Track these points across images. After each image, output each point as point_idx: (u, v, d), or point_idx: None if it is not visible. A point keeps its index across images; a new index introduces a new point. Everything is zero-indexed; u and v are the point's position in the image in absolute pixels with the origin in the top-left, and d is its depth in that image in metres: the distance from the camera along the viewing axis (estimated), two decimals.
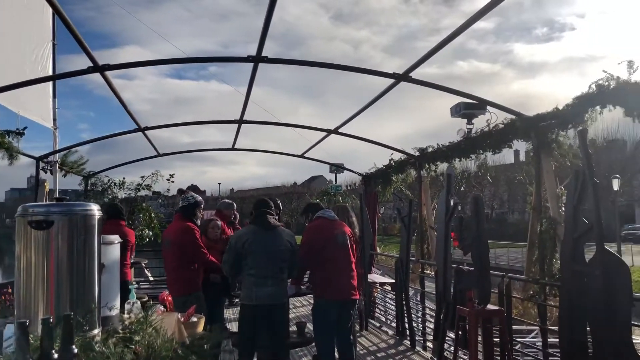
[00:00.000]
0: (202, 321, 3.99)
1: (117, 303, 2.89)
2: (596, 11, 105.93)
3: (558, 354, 4.95)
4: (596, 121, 4.74)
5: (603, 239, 4.25)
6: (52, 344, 1.86)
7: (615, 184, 30.48)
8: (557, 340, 4.94)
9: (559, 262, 4.97)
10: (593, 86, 4.59)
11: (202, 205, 6.09)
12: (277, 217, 6.72)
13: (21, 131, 6.05)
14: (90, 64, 4.75)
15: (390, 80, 5.74)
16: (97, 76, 5.22)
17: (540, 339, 5.56)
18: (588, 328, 4.41)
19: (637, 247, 33.14)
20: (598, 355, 4.25)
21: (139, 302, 3.75)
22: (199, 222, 6.13)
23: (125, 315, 2.56)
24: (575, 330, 4.48)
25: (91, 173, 10.05)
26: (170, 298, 3.94)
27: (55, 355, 1.84)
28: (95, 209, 2.52)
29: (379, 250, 20.60)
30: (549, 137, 5.33)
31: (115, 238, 3.08)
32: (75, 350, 1.92)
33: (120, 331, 2.20)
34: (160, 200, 14.72)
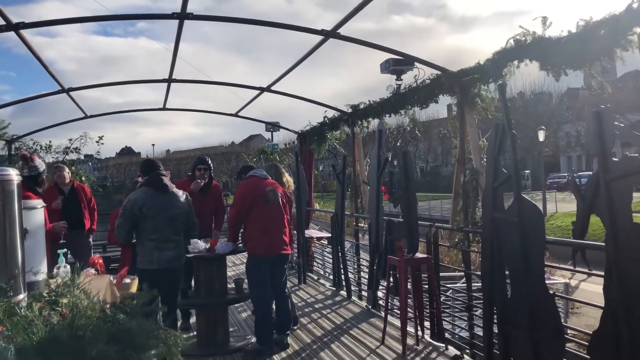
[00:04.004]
0: (136, 282, 4.02)
1: (44, 267, 2.86)
2: None
3: (481, 297, 5.27)
4: (514, 75, 4.94)
5: (520, 188, 4.50)
6: None
7: (541, 135, 31.95)
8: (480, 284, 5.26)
9: (481, 210, 5.24)
10: (511, 41, 4.78)
11: (45, 175, 5.63)
12: (207, 176, 6.75)
13: None
14: (3, 22, 4.49)
15: (320, 37, 5.76)
16: (12, 33, 4.94)
17: (465, 284, 5.89)
18: (507, 272, 4.70)
19: (561, 194, 35.06)
20: (515, 297, 4.56)
21: (68, 267, 3.72)
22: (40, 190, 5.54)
23: (52, 280, 2.54)
24: (495, 274, 4.78)
25: (14, 137, 9.62)
26: (100, 261, 3.92)
27: None
28: (13, 174, 2.46)
29: (317, 207, 20.94)
30: (472, 91, 5.54)
31: (39, 203, 3.02)
32: None
33: (46, 295, 2.20)
34: (90, 164, 14.27)
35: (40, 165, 5.24)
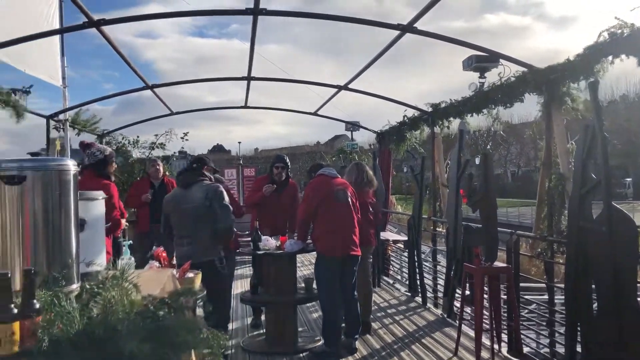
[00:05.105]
0: (199, 277, 4.01)
1: (101, 259, 2.88)
2: None
3: (564, 312, 4.88)
4: (608, 73, 4.49)
5: (610, 195, 4.10)
6: (11, 298, 1.85)
7: None
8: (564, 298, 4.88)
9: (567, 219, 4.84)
10: (605, 34, 4.32)
11: (113, 160, 5.49)
12: (285, 175, 6.70)
13: (27, 89, 6.06)
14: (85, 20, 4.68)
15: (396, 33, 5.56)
16: (118, 34, 5.14)
17: (547, 297, 5.48)
18: (594, 286, 4.32)
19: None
20: (602, 314, 4.17)
21: (132, 259, 3.77)
22: (112, 177, 5.58)
23: (104, 272, 2.54)
24: (580, 287, 4.39)
25: (105, 132, 10.10)
26: (164, 254, 3.95)
27: (15, 310, 1.84)
28: (70, 164, 2.47)
29: (400, 209, 20.61)
30: (560, 90, 5.12)
31: (99, 194, 3.05)
32: (37, 305, 1.91)
33: (88, 286, 2.19)
34: (185, 161, 14.74)
35: (99, 151, 5.20)
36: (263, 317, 6.61)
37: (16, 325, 1.81)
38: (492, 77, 6.53)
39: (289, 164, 6.93)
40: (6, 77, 6.00)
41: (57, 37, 7.44)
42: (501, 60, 6.14)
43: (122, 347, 1.87)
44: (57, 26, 6.94)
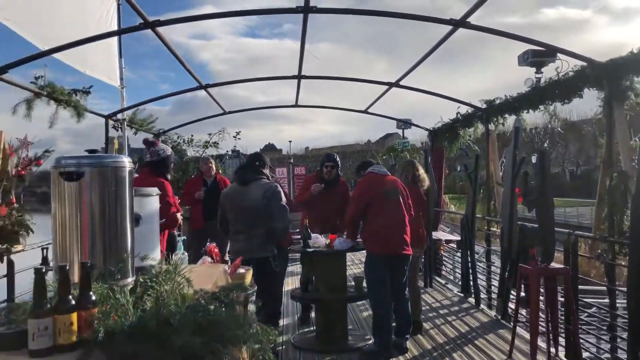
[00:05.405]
0: (250, 272, 4.05)
1: (155, 254, 2.94)
2: None
3: (626, 316, 4.67)
4: None
5: None
6: (69, 290, 1.91)
7: None
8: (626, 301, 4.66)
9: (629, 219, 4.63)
10: None
11: (173, 159, 5.50)
12: (335, 174, 6.69)
13: (87, 90, 6.29)
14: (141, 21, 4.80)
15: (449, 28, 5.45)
16: (173, 36, 5.29)
17: (608, 300, 5.26)
18: None
19: None
20: None
21: (185, 254, 3.85)
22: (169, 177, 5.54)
23: (157, 266, 2.60)
24: None
25: (161, 131, 10.37)
26: (216, 250, 4.01)
27: (73, 302, 1.90)
28: (126, 161, 2.54)
29: (453, 209, 20.27)
30: (622, 84, 4.89)
31: (154, 190, 3.13)
32: (94, 297, 1.97)
33: (142, 280, 2.24)
34: (238, 160, 14.96)
35: (162, 150, 5.24)
36: (313, 315, 6.65)
37: (74, 316, 1.88)
38: (549, 72, 6.30)
39: (339, 162, 6.92)
40: (68, 79, 6.25)
41: (115, 39, 7.68)
42: (559, 54, 5.91)
43: (174, 340, 1.90)
44: (115, 28, 7.16)
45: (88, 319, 1.90)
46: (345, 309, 6.12)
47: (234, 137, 12.28)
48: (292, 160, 22.79)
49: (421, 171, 6.41)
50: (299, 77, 7.79)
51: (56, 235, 2.43)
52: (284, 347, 5.80)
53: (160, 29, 5.42)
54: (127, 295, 2.06)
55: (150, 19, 4.87)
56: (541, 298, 5.37)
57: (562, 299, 5.52)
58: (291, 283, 8.51)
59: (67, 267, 1.99)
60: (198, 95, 8.70)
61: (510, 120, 7.66)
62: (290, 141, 65.90)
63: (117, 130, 8.42)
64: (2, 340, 1.88)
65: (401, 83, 8.00)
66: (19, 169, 4.73)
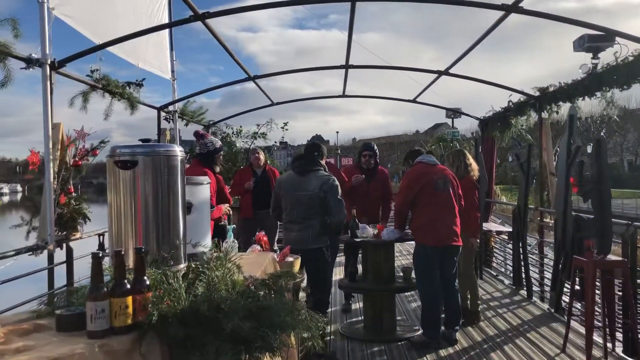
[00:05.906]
0: (298, 261, 4.08)
1: (206, 241, 3.00)
2: None
3: None
4: None
5: None
6: (125, 275, 1.98)
7: None
8: None
9: None
10: None
11: (222, 152, 5.58)
12: (373, 162, 6.64)
13: (140, 82, 6.44)
14: (192, 14, 4.88)
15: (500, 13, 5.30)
16: (222, 29, 5.36)
17: None
18: None
19: None
20: None
21: (235, 242, 3.91)
22: (218, 169, 5.64)
23: (209, 253, 2.65)
24: None
25: (211, 122, 10.54)
26: (265, 238, 4.05)
27: (128, 286, 1.96)
28: (177, 150, 2.59)
29: (504, 200, 19.78)
30: None
31: (205, 179, 3.18)
32: (148, 282, 2.03)
33: (194, 266, 2.29)
34: (286, 151, 15.09)
35: (211, 143, 5.32)
36: (359, 305, 6.65)
37: (129, 300, 1.94)
38: (607, 57, 6.04)
39: (377, 151, 6.87)
40: (122, 73, 6.40)
41: (166, 33, 7.85)
42: (617, 38, 5.65)
43: (224, 324, 1.94)
44: (166, 21, 7.30)
45: (142, 302, 1.96)
46: (393, 299, 6.10)
47: (282, 128, 12.38)
48: (339, 152, 22.79)
49: (471, 160, 6.29)
50: (347, 66, 7.75)
51: (112, 221, 2.50)
52: (332, 336, 5.83)
53: (209, 22, 5.50)
54: (180, 281, 2.11)
55: (200, 12, 4.94)
56: (597, 291, 5.20)
57: (619, 293, 5.32)
58: (337, 273, 8.52)
59: (123, 253, 2.05)
60: (246, 87, 8.84)
61: (564, 108, 7.39)
62: (337, 132, 65.69)
63: (169, 122, 8.61)
64: (63, 321, 1.96)
65: (450, 71, 7.85)
66: (77, 159, 4.91)
